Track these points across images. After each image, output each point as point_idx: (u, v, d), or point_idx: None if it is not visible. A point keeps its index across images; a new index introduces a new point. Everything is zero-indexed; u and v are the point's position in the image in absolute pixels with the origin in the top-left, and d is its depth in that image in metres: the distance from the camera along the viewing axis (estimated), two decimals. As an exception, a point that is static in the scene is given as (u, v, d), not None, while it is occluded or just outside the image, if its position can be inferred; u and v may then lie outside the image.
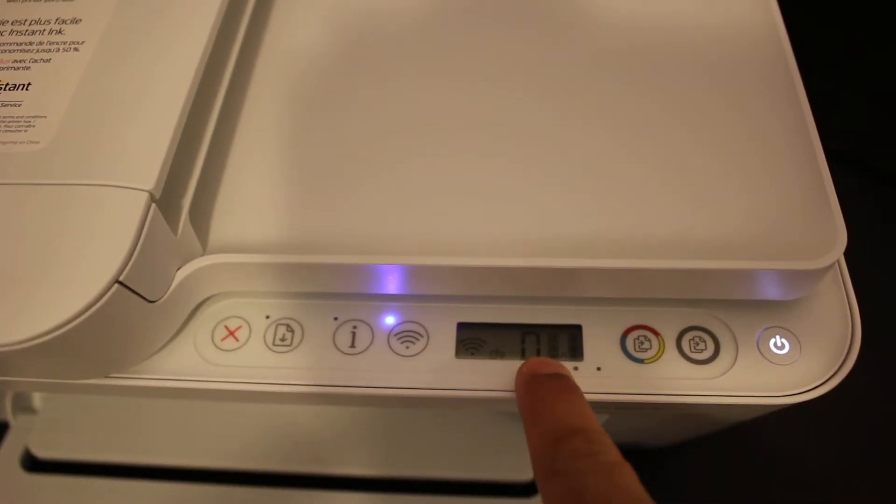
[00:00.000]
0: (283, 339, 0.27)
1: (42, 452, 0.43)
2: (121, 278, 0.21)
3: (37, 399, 0.45)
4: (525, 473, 0.41)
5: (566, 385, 0.23)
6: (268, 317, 0.27)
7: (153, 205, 0.23)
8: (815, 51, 0.39)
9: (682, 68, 0.29)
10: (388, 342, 0.27)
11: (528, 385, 0.24)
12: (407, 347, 0.27)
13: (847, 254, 0.27)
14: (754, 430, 0.42)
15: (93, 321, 0.21)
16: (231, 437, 0.42)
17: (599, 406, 0.27)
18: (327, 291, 0.27)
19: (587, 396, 0.25)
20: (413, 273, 0.25)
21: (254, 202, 0.27)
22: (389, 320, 0.27)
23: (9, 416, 0.45)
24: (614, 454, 0.20)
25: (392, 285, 0.26)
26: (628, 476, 0.19)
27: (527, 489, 0.40)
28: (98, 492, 0.41)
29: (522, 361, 0.26)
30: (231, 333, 0.27)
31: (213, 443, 0.42)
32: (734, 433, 0.39)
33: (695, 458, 0.45)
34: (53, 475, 0.42)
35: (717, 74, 0.29)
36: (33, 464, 0.43)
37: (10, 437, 0.44)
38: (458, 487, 0.41)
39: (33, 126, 0.25)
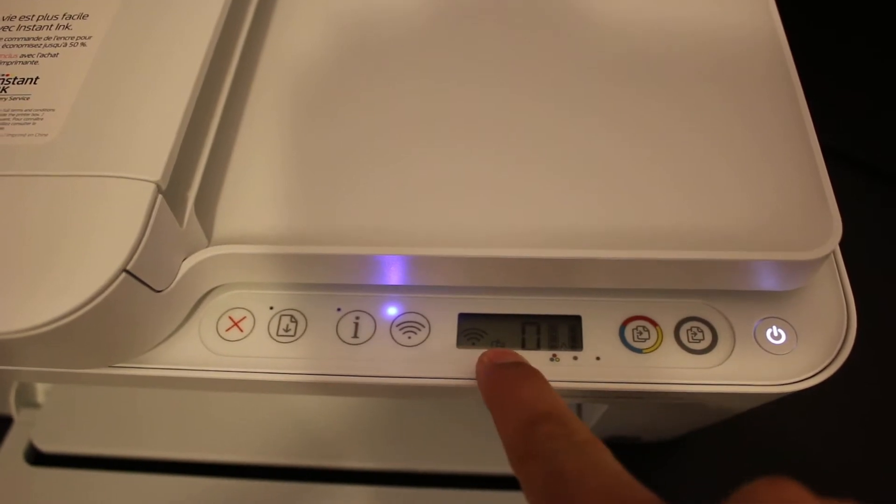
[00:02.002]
0: (286, 330, 0.27)
1: (45, 446, 0.43)
2: (128, 267, 0.22)
3: (40, 393, 0.46)
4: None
5: (528, 372, 0.23)
6: (272, 308, 0.28)
7: (160, 196, 0.23)
8: (813, 50, 0.40)
9: (681, 66, 0.30)
10: (391, 332, 0.27)
11: (491, 376, 0.24)
12: (409, 337, 0.27)
13: (844, 249, 0.27)
14: (752, 423, 0.42)
15: (100, 309, 0.22)
16: (233, 431, 0.43)
17: (599, 395, 0.27)
18: (330, 282, 0.27)
19: (587, 386, 0.26)
20: (415, 264, 0.25)
21: (258, 194, 0.27)
22: (392, 311, 0.27)
23: (12, 410, 0.45)
24: (586, 433, 0.20)
25: (394, 276, 0.26)
26: (603, 452, 0.19)
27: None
28: (101, 485, 0.42)
29: (530, 352, 0.26)
30: (235, 324, 0.27)
31: (216, 436, 0.43)
32: (732, 427, 0.40)
33: (692, 452, 0.45)
34: (57, 468, 0.43)
35: (715, 71, 0.29)
36: (37, 457, 0.44)
37: (14, 431, 0.44)
38: (460, 480, 0.42)
39: (41, 119, 0.25)
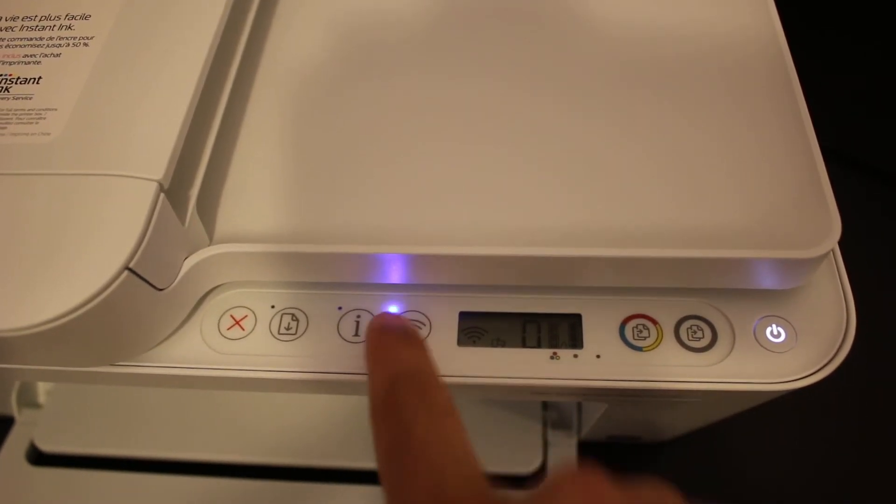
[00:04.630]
0: (288, 328, 0.27)
1: (47, 446, 0.43)
2: (130, 265, 0.22)
3: (41, 393, 0.46)
4: (527, 466, 0.41)
5: (409, 335, 0.24)
6: (273, 306, 0.28)
7: (162, 194, 0.23)
8: (813, 51, 0.40)
9: (682, 67, 0.30)
10: (392, 331, 0.27)
11: (376, 337, 0.24)
12: (410, 336, 0.27)
13: (843, 248, 0.27)
14: (750, 422, 0.43)
15: (102, 307, 0.22)
16: (234, 431, 0.43)
17: (599, 393, 0.27)
18: (332, 281, 0.27)
19: (587, 384, 0.26)
20: (416, 262, 0.25)
21: (259, 194, 0.27)
22: (392, 309, 0.27)
23: (14, 410, 0.45)
24: (442, 401, 0.20)
25: (395, 275, 0.26)
26: (451, 426, 0.20)
27: (529, 481, 0.41)
28: (103, 485, 0.42)
29: (530, 350, 0.26)
30: (237, 322, 0.27)
31: (218, 436, 0.43)
32: (731, 427, 0.40)
33: (692, 452, 0.45)
34: (58, 469, 0.43)
35: (715, 72, 0.30)
36: (38, 457, 0.44)
37: (16, 432, 0.44)
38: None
39: (44, 118, 0.25)
